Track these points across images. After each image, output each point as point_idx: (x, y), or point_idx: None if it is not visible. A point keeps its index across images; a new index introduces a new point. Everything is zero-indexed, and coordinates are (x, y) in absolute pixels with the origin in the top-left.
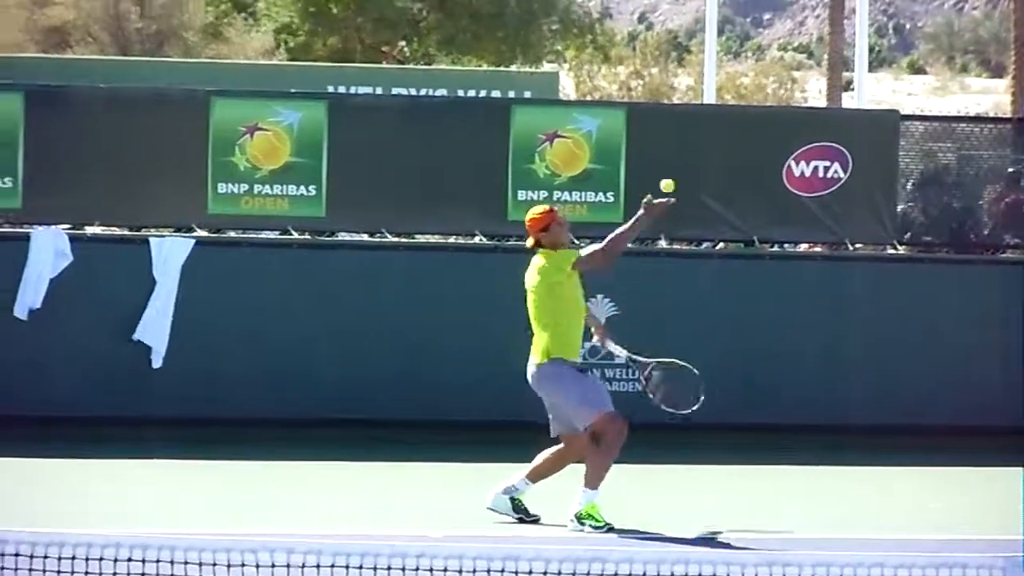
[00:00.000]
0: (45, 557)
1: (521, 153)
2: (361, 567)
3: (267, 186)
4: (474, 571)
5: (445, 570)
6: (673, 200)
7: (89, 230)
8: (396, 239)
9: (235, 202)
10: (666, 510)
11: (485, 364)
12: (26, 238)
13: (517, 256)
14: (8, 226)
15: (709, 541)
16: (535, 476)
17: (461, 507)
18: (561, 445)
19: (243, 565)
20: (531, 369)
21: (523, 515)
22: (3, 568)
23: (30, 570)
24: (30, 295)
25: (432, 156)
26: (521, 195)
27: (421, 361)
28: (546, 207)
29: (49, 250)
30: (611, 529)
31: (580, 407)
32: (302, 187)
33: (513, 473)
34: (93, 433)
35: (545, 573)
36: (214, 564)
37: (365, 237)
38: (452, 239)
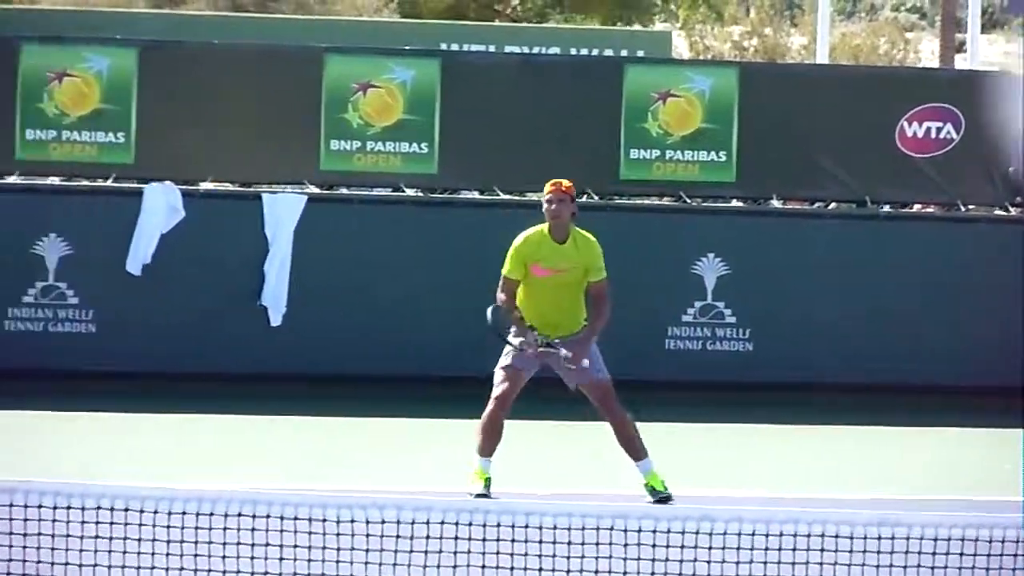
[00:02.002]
0: (155, 512)
1: (634, 112)
2: (456, 523)
3: (380, 143)
4: (583, 528)
5: (555, 528)
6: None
7: (202, 186)
8: (508, 196)
9: (347, 159)
10: (783, 471)
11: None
12: (139, 194)
13: (628, 215)
14: (122, 181)
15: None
16: (633, 454)
17: (570, 464)
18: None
19: (352, 521)
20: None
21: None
22: (126, 523)
23: (140, 524)
24: (143, 251)
25: (545, 114)
26: (634, 154)
27: None
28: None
29: (162, 206)
30: (482, 495)
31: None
32: (414, 144)
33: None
34: (203, 389)
35: (683, 532)
36: (310, 519)
37: (476, 195)
38: None
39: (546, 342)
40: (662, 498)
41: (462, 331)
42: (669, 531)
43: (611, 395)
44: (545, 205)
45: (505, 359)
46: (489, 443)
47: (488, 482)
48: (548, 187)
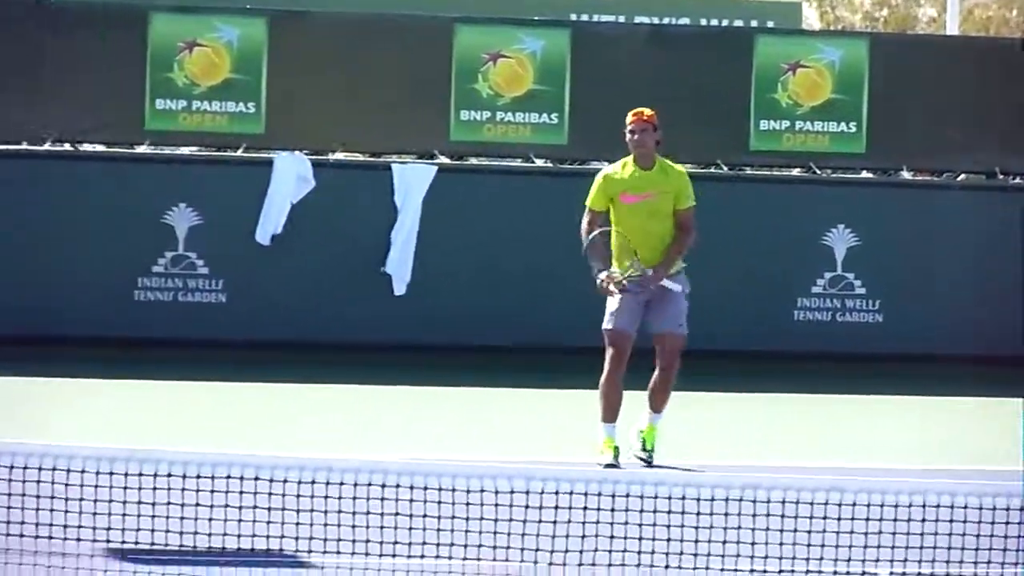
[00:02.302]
0: (285, 481)
1: (764, 83)
2: (585, 492)
3: (509, 113)
4: (712, 498)
5: (683, 498)
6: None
7: (332, 156)
8: None
9: (477, 129)
10: (912, 442)
11: (722, 294)
12: (269, 163)
13: (759, 186)
14: (252, 151)
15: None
16: (654, 400)
17: (696, 435)
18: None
19: (482, 491)
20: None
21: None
22: (254, 492)
23: (270, 493)
24: (272, 221)
25: (674, 85)
26: (764, 125)
27: None
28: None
29: (292, 175)
30: (611, 465)
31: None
32: (544, 115)
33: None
34: (332, 358)
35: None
36: (444, 488)
37: (607, 165)
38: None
39: (630, 276)
40: (646, 458)
41: (590, 301)
42: (798, 501)
43: (680, 351)
44: (628, 136)
45: (607, 321)
46: (609, 408)
47: (617, 451)
48: (630, 117)
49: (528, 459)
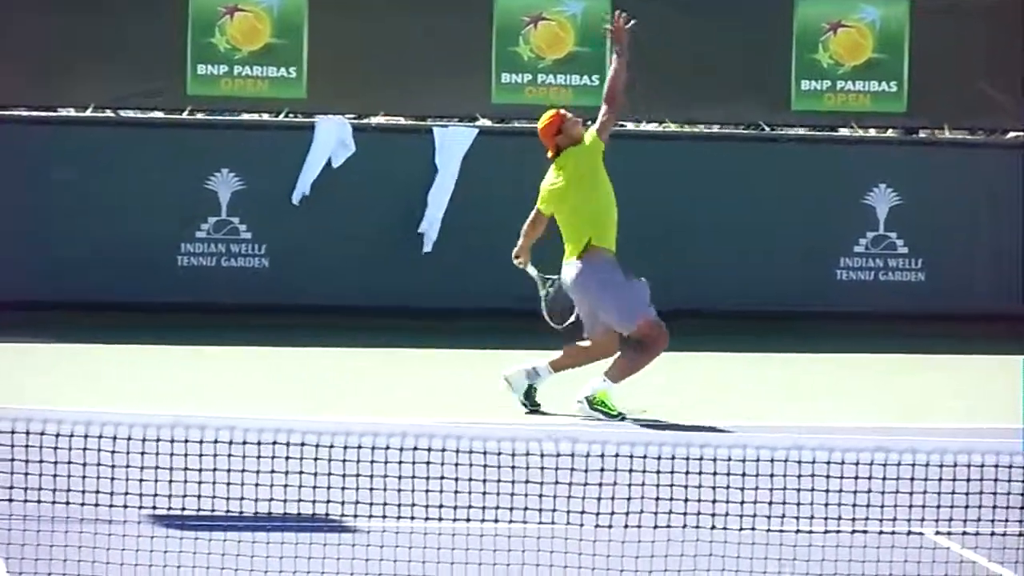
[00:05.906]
0: (331, 447)
1: (805, 43)
2: (631, 455)
3: (551, 76)
4: (757, 459)
5: (729, 459)
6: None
7: (373, 120)
8: (680, 129)
9: (519, 92)
10: (957, 401)
11: (764, 255)
12: (311, 128)
13: (800, 146)
14: (293, 116)
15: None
16: (558, 366)
17: (740, 396)
18: (588, 342)
19: (527, 454)
20: (570, 270)
21: (531, 404)
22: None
23: (316, 459)
24: (306, 183)
25: (716, 46)
26: (805, 85)
27: (698, 251)
28: (552, 111)
29: (333, 140)
30: (623, 418)
31: (621, 315)
32: (585, 77)
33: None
34: (374, 322)
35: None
36: (475, 451)
37: (654, 127)
38: (734, 128)
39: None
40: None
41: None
42: (843, 462)
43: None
44: (560, 135)
45: (649, 312)
46: None
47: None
48: (561, 117)
49: (573, 422)
